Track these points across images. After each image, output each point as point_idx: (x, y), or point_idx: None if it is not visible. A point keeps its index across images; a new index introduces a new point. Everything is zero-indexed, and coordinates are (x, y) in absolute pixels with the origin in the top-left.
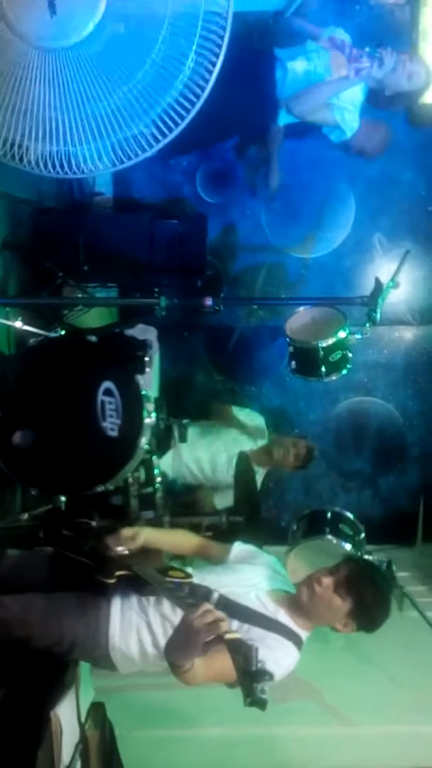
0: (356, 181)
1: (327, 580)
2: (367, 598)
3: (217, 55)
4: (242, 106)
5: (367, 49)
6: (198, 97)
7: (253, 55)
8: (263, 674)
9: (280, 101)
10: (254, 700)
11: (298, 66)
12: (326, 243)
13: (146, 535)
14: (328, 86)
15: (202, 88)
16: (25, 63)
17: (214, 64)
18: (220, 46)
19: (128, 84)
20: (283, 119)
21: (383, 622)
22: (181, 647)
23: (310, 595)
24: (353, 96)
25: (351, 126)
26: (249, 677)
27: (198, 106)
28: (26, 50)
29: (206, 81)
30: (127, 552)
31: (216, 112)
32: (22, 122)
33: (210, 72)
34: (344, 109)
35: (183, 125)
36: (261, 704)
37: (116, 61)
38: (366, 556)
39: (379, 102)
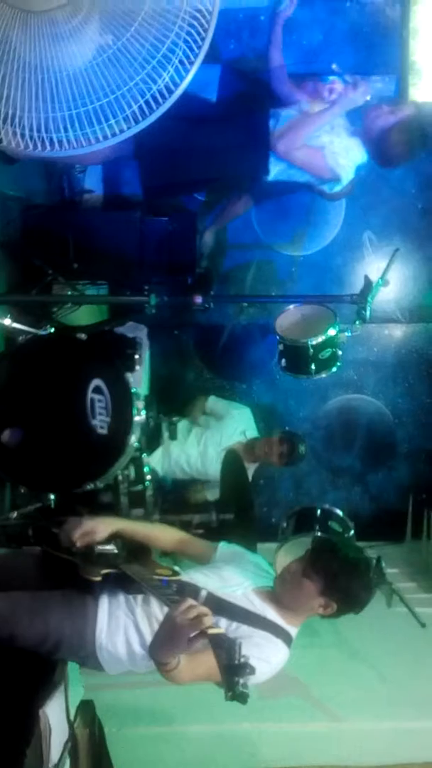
0: None
1: (295, 566)
2: (333, 569)
3: (203, 39)
4: (233, 153)
5: (335, 67)
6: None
7: (245, 105)
8: (244, 668)
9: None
10: (235, 694)
11: (290, 113)
12: (316, 241)
13: (115, 527)
14: (311, 118)
15: (186, 71)
16: (4, 28)
17: (199, 47)
18: (206, 27)
19: (105, 53)
20: (275, 171)
21: (362, 595)
22: (165, 644)
23: (282, 585)
24: (346, 144)
25: (345, 171)
26: (230, 671)
27: (181, 89)
28: (5, 15)
29: (190, 65)
30: (115, 550)
31: (208, 158)
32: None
33: (194, 56)
34: (336, 154)
35: (164, 108)
36: (242, 698)
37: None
38: None
39: (383, 158)
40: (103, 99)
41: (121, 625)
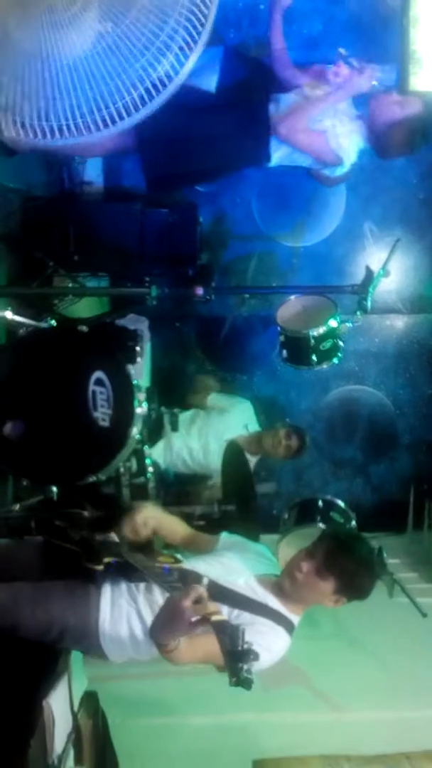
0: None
1: (306, 566)
2: (350, 570)
3: (203, 25)
4: (234, 141)
5: (342, 51)
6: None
7: (246, 91)
8: (248, 654)
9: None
10: (239, 680)
11: (291, 98)
12: (317, 231)
13: (156, 520)
14: (315, 101)
15: (186, 57)
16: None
17: (199, 33)
18: (206, 14)
19: (104, 40)
20: (276, 157)
21: (372, 587)
22: (165, 626)
23: (292, 583)
24: (349, 128)
25: (348, 154)
26: (234, 657)
27: (182, 76)
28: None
29: (190, 51)
30: (117, 539)
31: (208, 144)
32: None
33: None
34: (338, 136)
35: (165, 94)
36: (246, 684)
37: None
38: None
39: (383, 148)
40: (104, 87)
41: (123, 613)
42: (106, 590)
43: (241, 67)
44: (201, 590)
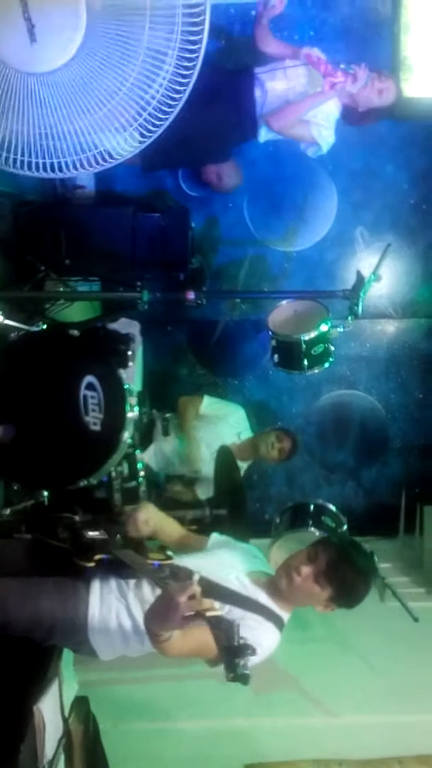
0: (338, 174)
1: (306, 570)
2: (349, 580)
3: (197, 48)
4: (223, 124)
5: (342, 66)
6: (181, 92)
7: (232, 75)
8: (245, 649)
9: (260, 118)
10: (236, 676)
11: (276, 85)
12: (308, 236)
13: (156, 518)
14: (305, 101)
15: (184, 86)
16: (8, 87)
17: (196, 56)
18: (200, 38)
19: (113, 101)
20: (264, 136)
21: (365, 597)
22: (159, 617)
23: (289, 584)
24: (329, 113)
25: (327, 141)
26: (231, 652)
27: (180, 104)
28: (8, 75)
29: (186, 79)
30: (105, 536)
31: (197, 130)
32: (7, 141)
33: (191, 68)
34: (320, 126)
35: (164, 126)
36: (243, 679)
37: (99, 80)
38: None
39: (353, 118)
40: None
41: (113, 609)
42: (95, 586)
43: (224, 42)
44: (195, 587)
